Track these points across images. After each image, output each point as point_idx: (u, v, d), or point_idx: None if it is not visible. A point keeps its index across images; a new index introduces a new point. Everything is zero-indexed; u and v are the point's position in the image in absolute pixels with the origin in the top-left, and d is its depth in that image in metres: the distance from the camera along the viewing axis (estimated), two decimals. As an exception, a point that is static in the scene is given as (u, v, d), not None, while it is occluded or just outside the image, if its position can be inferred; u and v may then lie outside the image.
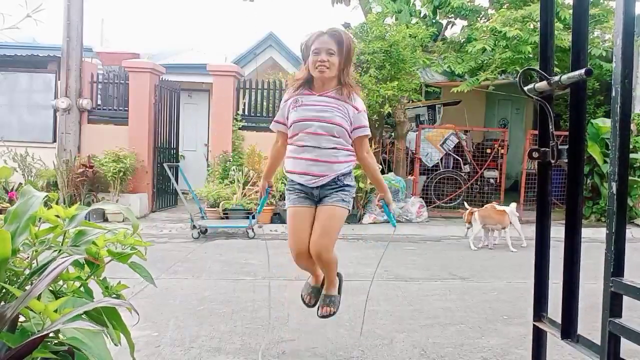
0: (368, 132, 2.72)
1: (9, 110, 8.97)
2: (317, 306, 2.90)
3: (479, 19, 9.49)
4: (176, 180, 7.93)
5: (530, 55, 7.99)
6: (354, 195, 2.85)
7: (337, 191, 2.66)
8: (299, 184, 2.69)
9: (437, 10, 9.33)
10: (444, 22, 9.97)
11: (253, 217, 6.87)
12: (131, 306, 1.19)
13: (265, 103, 9.12)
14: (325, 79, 2.62)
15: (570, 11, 7.92)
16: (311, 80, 2.67)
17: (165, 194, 8.94)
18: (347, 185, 2.70)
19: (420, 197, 8.62)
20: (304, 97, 2.66)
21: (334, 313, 2.84)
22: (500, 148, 9.11)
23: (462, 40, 9.31)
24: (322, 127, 2.59)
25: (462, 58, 8.73)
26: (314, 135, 2.60)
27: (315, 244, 2.61)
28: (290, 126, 2.68)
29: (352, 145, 2.72)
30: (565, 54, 7.46)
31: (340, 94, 2.64)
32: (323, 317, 2.83)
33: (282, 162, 2.91)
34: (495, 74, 8.49)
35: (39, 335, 1.01)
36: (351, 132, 2.67)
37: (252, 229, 6.80)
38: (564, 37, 7.51)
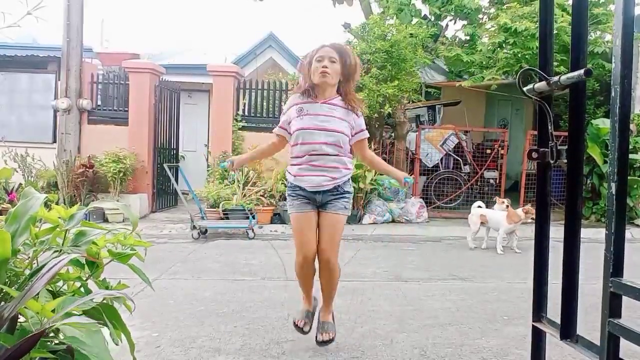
0: (367, 134, 2.91)
1: (9, 111, 8.97)
2: (315, 334, 2.92)
3: (481, 17, 9.50)
4: (176, 180, 7.93)
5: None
6: (352, 199, 2.98)
7: (338, 198, 2.80)
8: (302, 188, 2.80)
9: (440, 10, 9.33)
10: (444, 23, 9.98)
11: (253, 217, 6.88)
12: (126, 296, 1.19)
13: (265, 103, 9.13)
14: (327, 85, 2.73)
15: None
16: (312, 88, 2.77)
17: (165, 195, 8.94)
18: (347, 192, 2.85)
19: (420, 197, 8.62)
20: (307, 105, 2.76)
21: (333, 338, 2.88)
22: (500, 148, 9.11)
23: (466, 39, 9.33)
24: (327, 135, 2.71)
25: (471, 51, 8.73)
26: (319, 145, 2.72)
27: (323, 251, 2.79)
28: (294, 133, 2.77)
29: (351, 151, 2.89)
30: (566, 54, 7.46)
31: (342, 100, 2.78)
32: (323, 343, 2.84)
33: (264, 158, 3.13)
34: (499, 74, 8.50)
35: (34, 333, 1.01)
36: (352, 137, 2.82)
37: (252, 229, 6.79)
38: (567, 31, 7.49)
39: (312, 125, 2.72)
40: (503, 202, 6.39)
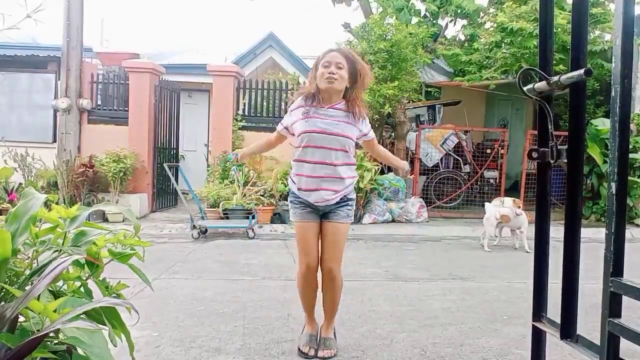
0: (373, 134, 2.94)
1: (9, 110, 8.98)
2: (316, 349, 2.85)
3: (480, 18, 9.50)
4: (176, 180, 7.93)
5: (536, 50, 8.01)
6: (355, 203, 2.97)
7: (341, 207, 2.77)
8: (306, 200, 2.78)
9: (439, 10, 9.33)
10: (444, 22, 9.98)
11: (253, 217, 6.88)
12: (131, 305, 1.19)
13: (265, 103, 9.13)
14: (333, 90, 2.67)
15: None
16: (318, 94, 2.71)
17: (165, 194, 8.94)
18: (350, 199, 2.81)
19: (420, 197, 8.62)
20: (313, 108, 2.70)
21: (335, 355, 2.82)
22: (500, 148, 9.11)
23: (466, 38, 9.33)
24: (333, 140, 2.66)
25: (470, 51, 8.75)
26: (325, 150, 2.66)
27: (326, 260, 2.77)
28: (299, 136, 2.71)
29: (355, 154, 2.91)
30: (566, 53, 7.47)
31: (347, 106, 2.73)
32: (324, 359, 2.78)
33: (263, 152, 3.40)
34: (498, 73, 8.50)
35: (38, 335, 1.01)
36: (359, 138, 2.81)
37: (252, 229, 6.79)
38: (569, 31, 7.52)
39: (318, 128, 2.66)
40: (514, 201, 6.45)
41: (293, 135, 2.78)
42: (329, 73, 2.62)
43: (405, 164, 3.11)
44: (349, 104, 2.73)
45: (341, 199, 2.77)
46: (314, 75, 2.72)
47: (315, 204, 2.74)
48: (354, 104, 2.73)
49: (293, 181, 2.82)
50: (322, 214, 2.79)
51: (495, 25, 8.47)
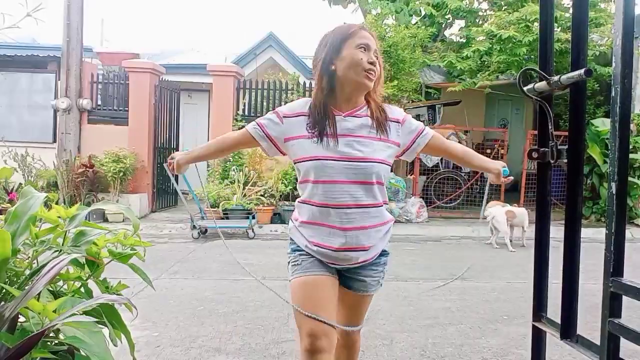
0: (430, 130, 1.83)
1: (9, 110, 8.98)
2: None
3: (476, 20, 9.50)
4: (176, 180, 7.93)
5: (526, 57, 8.01)
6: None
7: (373, 266, 1.80)
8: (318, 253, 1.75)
9: (436, 11, 9.33)
10: (443, 22, 9.98)
11: (253, 217, 6.87)
12: (129, 302, 1.19)
13: (265, 103, 9.13)
14: (365, 89, 1.70)
15: (566, 14, 7.94)
16: (334, 93, 1.70)
17: (165, 194, 8.94)
18: (384, 254, 1.84)
19: (420, 197, 8.62)
20: (324, 119, 1.68)
21: None
22: (500, 148, 9.11)
23: (461, 41, 9.33)
24: (359, 170, 1.65)
25: (462, 58, 8.76)
26: (350, 185, 1.66)
27: (350, 335, 1.92)
28: (302, 163, 1.70)
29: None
30: (561, 56, 7.47)
31: (371, 110, 1.73)
32: None
33: (215, 156, 2.08)
34: (492, 77, 8.51)
35: (36, 332, 1.01)
36: (409, 148, 1.80)
37: (252, 229, 6.79)
38: (559, 37, 7.53)
39: (337, 154, 1.65)
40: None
41: (281, 153, 1.81)
42: (370, 63, 1.65)
43: (499, 164, 1.88)
44: (372, 105, 1.74)
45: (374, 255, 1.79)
46: (331, 59, 1.67)
47: (335, 266, 1.77)
48: (376, 103, 1.76)
49: (300, 233, 1.77)
50: (339, 271, 1.79)
51: (483, 33, 8.47)
